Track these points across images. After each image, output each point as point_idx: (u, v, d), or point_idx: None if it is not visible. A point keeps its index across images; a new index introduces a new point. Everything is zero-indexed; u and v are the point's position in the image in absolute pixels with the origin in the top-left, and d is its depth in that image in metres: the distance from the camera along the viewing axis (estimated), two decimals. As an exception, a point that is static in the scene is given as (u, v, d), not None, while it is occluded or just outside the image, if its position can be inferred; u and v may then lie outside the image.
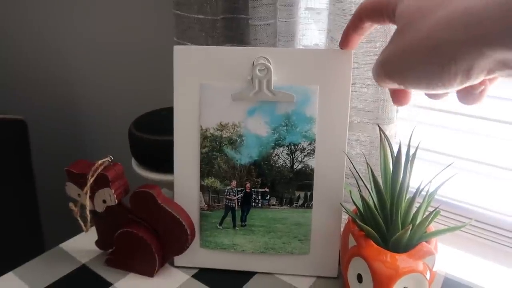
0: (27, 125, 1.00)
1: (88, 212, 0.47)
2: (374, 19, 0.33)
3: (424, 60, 0.25)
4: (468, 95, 0.28)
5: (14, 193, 1.00)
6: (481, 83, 0.27)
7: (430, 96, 0.32)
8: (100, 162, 0.47)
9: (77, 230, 0.60)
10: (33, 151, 1.02)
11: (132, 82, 0.96)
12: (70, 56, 1.07)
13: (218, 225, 0.51)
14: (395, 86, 0.30)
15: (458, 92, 0.28)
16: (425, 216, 0.44)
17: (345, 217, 0.51)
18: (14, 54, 1.22)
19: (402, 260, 0.42)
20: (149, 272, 0.50)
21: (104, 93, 1.03)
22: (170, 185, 0.58)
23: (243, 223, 0.50)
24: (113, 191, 0.47)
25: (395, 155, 0.43)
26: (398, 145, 0.43)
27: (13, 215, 0.99)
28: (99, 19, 0.95)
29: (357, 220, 0.44)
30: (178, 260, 0.52)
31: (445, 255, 0.54)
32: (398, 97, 0.35)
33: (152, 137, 0.56)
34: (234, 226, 0.51)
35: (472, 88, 0.27)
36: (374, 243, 0.43)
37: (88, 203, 0.47)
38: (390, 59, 0.28)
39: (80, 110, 1.12)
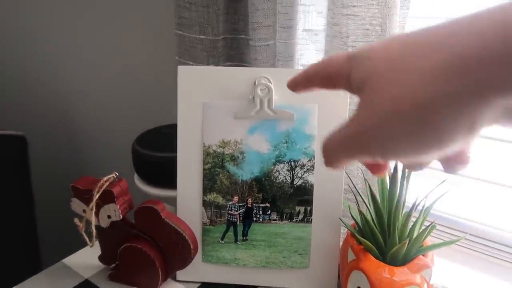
0: (27, 141, 1.01)
1: (93, 228, 0.48)
2: (326, 88, 0.28)
3: (413, 124, 0.20)
4: (454, 165, 0.24)
5: (13, 209, 1.00)
6: (465, 162, 0.24)
7: (410, 167, 0.27)
8: (105, 178, 0.48)
9: (75, 246, 0.60)
10: (32, 167, 1.02)
11: (132, 99, 0.97)
12: (72, 73, 1.08)
13: (220, 240, 0.52)
14: (368, 160, 0.25)
15: (444, 162, 0.24)
16: (421, 230, 0.45)
17: (343, 231, 0.52)
18: (15, 69, 1.23)
19: (400, 273, 0.43)
20: (152, 286, 0.51)
21: (104, 110, 1.05)
22: (170, 201, 0.59)
23: (244, 238, 0.52)
24: (118, 206, 0.48)
25: (392, 171, 0.45)
26: (395, 161, 0.45)
27: (11, 231, 0.99)
28: (101, 36, 0.98)
29: (356, 234, 0.45)
30: (181, 274, 0.53)
31: (441, 269, 0.55)
32: (376, 168, 0.29)
33: (156, 154, 0.57)
34: (236, 240, 0.52)
35: (458, 169, 0.24)
36: (372, 257, 0.44)
37: (93, 218, 0.48)
38: (364, 131, 0.23)
39: (80, 127, 1.13)
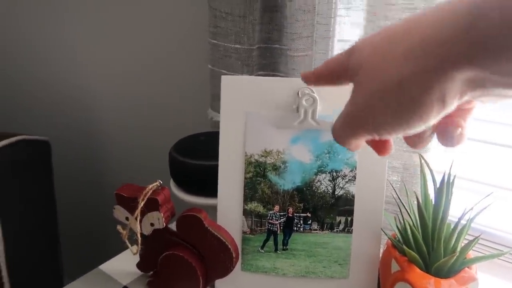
0: (51, 146, 1.02)
1: (139, 236, 0.49)
2: (333, 83, 0.32)
3: (395, 99, 0.24)
4: (448, 139, 0.27)
5: (35, 214, 1.00)
6: (457, 125, 0.27)
7: (411, 143, 0.30)
8: (150, 186, 0.49)
9: (97, 252, 0.61)
10: (56, 173, 1.03)
11: (161, 108, 0.98)
12: (100, 79, 1.09)
13: (260, 249, 0.52)
14: (367, 138, 0.28)
15: (440, 135, 0.28)
16: (466, 243, 0.45)
17: (383, 242, 0.52)
18: (42, 73, 1.24)
19: (446, 285, 0.43)
20: (191, 295, 0.51)
21: (132, 117, 1.05)
22: (206, 209, 0.60)
23: (284, 247, 0.52)
24: (162, 214, 0.48)
25: (439, 183, 0.45)
26: (442, 174, 0.45)
27: (34, 236, 1.00)
28: (132, 44, 0.98)
29: (402, 245, 0.45)
30: (219, 283, 0.53)
31: (482, 282, 0.55)
32: (379, 147, 0.31)
33: (194, 162, 0.58)
34: (276, 250, 0.52)
35: (450, 132, 0.27)
36: (418, 268, 0.44)
37: (138, 226, 0.49)
38: (358, 109, 0.27)
39: (105, 134, 1.13)
